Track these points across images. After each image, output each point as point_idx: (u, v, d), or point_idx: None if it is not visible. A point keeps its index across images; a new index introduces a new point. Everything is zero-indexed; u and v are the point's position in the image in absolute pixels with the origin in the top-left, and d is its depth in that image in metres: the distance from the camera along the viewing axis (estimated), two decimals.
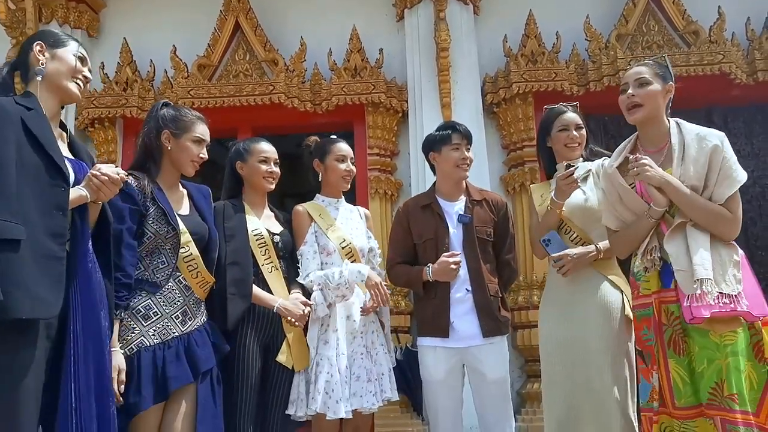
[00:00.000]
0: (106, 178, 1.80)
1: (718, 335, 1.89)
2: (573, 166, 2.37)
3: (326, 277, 2.46)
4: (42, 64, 1.85)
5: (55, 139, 1.81)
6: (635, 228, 2.12)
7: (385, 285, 2.71)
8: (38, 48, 1.86)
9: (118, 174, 1.83)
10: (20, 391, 1.57)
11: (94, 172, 1.81)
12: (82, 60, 1.93)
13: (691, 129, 2.09)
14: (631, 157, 2.11)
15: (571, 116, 2.54)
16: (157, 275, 2.11)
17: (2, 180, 1.61)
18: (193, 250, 2.18)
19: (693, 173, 2.01)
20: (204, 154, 2.28)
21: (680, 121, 2.15)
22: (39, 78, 1.84)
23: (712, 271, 1.88)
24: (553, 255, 2.37)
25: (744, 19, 3.99)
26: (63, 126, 1.96)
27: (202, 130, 2.28)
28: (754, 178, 3.88)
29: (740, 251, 2.01)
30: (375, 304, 2.50)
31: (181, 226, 2.16)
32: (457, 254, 2.50)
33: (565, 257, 2.34)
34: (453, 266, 2.46)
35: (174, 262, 2.13)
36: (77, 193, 1.79)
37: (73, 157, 1.90)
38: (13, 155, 1.65)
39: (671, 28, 4.07)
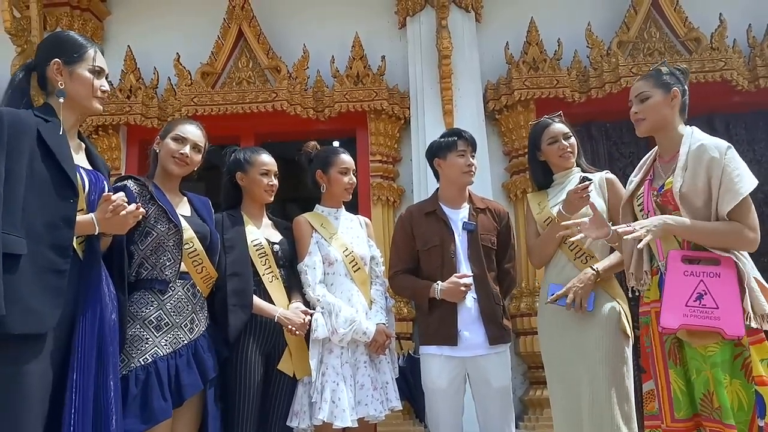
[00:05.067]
0: (121, 205, 1.79)
1: (702, 347, 1.88)
2: (589, 180, 2.32)
3: (331, 311, 2.45)
4: (61, 85, 1.85)
5: (70, 151, 1.81)
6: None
7: (387, 295, 2.72)
8: (56, 66, 1.86)
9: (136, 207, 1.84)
10: (26, 403, 1.57)
11: (109, 195, 1.80)
12: (99, 72, 1.92)
13: (698, 139, 2.04)
14: (621, 229, 2.01)
15: (558, 127, 2.53)
16: (165, 273, 2.14)
17: (10, 193, 1.61)
18: (197, 245, 2.22)
19: (690, 186, 1.97)
20: (185, 151, 2.26)
21: (694, 129, 2.10)
22: (61, 100, 1.84)
23: None
24: (566, 303, 2.30)
25: (745, 26, 4.00)
26: (81, 136, 1.97)
27: (184, 130, 2.30)
28: (757, 185, 3.87)
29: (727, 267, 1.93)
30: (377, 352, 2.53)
31: (184, 223, 2.21)
32: (469, 276, 2.48)
33: (569, 291, 2.29)
34: (463, 288, 2.44)
35: (179, 257, 2.16)
36: (86, 219, 1.78)
37: (90, 168, 1.91)
38: (24, 168, 1.66)
39: (672, 35, 4.09)
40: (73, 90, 1.87)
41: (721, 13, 3.96)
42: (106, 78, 1.97)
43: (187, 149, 2.27)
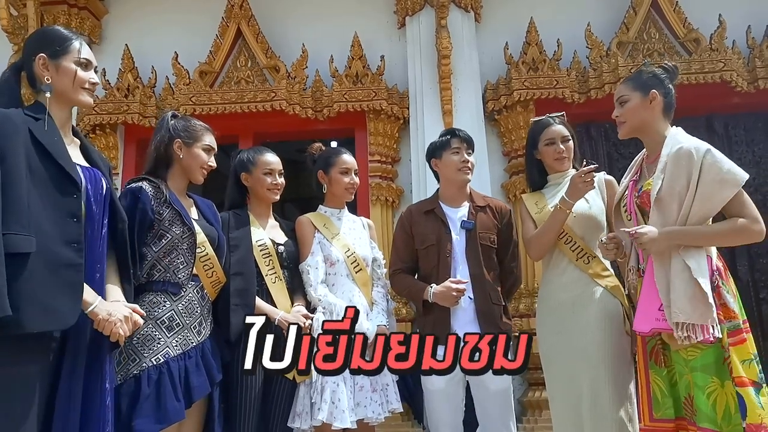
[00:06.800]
0: (121, 330, 1.75)
1: (684, 350, 1.87)
2: (594, 164, 2.27)
3: (333, 311, 2.44)
4: (47, 80, 1.81)
5: (65, 147, 1.78)
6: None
7: (389, 297, 2.72)
8: (41, 62, 1.82)
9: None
10: (21, 406, 1.55)
11: (116, 321, 1.73)
12: (86, 64, 1.88)
13: (678, 141, 2.02)
14: (626, 232, 2.03)
15: (557, 129, 2.49)
16: (179, 276, 2.15)
17: (12, 192, 1.59)
18: (209, 249, 2.24)
19: (667, 189, 1.96)
20: (213, 163, 2.34)
21: (678, 131, 2.09)
22: (47, 95, 1.81)
23: (689, 302, 1.83)
24: None
25: (745, 27, 3.99)
26: (76, 132, 1.94)
27: (210, 140, 2.36)
28: (756, 186, 3.87)
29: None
30: None
31: (196, 226, 2.22)
32: (464, 282, 2.46)
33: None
34: (454, 293, 2.42)
35: (192, 261, 2.17)
36: (92, 303, 1.70)
37: (86, 164, 1.87)
38: (23, 166, 1.63)
39: (672, 36, 4.09)
40: (59, 83, 1.82)
41: (720, 14, 3.96)
42: (95, 71, 1.94)
43: (213, 160, 2.35)
